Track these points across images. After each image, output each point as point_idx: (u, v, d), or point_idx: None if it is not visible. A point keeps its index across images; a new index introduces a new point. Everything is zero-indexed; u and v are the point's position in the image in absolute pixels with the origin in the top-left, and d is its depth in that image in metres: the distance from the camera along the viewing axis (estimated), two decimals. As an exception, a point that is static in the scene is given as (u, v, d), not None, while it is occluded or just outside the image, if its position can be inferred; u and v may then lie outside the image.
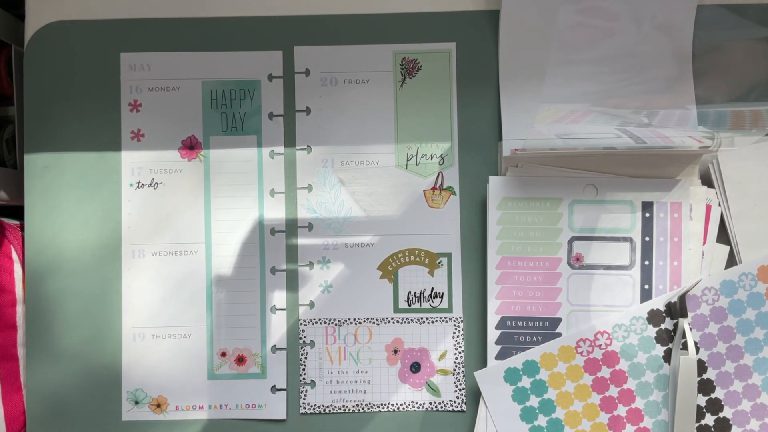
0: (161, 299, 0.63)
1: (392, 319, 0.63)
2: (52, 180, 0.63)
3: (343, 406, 0.63)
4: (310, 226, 0.63)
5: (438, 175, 0.63)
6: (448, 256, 0.63)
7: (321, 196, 0.63)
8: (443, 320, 0.63)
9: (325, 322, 0.63)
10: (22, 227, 0.64)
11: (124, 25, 0.64)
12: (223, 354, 0.63)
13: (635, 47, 0.61)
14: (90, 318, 0.63)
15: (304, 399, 0.63)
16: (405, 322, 0.63)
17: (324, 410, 0.63)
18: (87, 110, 0.63)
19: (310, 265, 0.63)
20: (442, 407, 0.62)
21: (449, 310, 0.63)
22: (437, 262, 0.63)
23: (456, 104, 0.63)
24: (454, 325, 0.63)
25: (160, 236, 0.63)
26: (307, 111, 0.63)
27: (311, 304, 0.63)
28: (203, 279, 0.63)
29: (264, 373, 0.63)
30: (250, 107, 0.63)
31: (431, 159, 0.63)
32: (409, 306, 0.63)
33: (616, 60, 0.61)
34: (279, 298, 0.63)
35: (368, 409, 0.63)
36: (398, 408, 0.63)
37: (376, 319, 0.63)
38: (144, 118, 0.64)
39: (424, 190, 0.63)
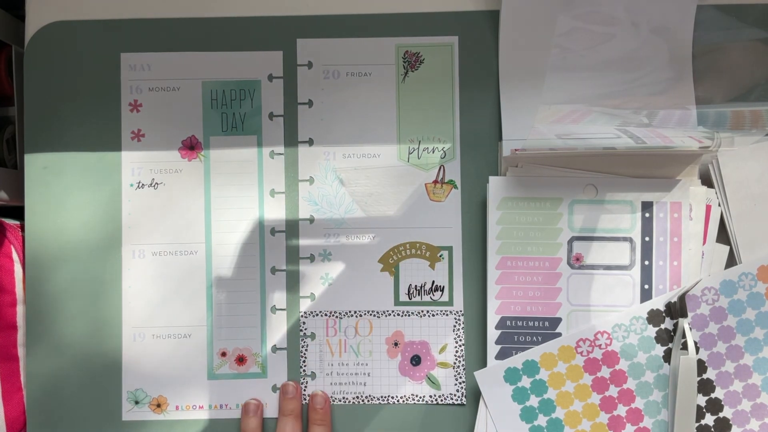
0: (161, 299, 0.63)
1: (393, 312, 0.63)
2: (52, 180, 0.63)
3: (343, 398, 0.63)
4: (311, 219, 0.63)
5: (440, 168, 0.63)
6: (449, 249, 0.63)
7: (323, 188, 0.63)
8: (444, 313, 0.63)
9: (325, 315, 0.63)
10: (22, 227, 0.64)
11: (124, 25, 0.64)
12: (224, 354, 0.63)
13: (635, 49, 0.61)
14: (90, 318, 0.63)
15: (304, 391, 0.63)
16: (405, 315, 0.63)
17: (324, 409, 0.63)
18: (87, 110, 0.63)
19: (312, 257, 0.63)
20: (442, 400, 0.63)
21: (450, 303, 0.63)
22: (438, 255, 0.63)
23: (458, 100, 0.63)
24: (455, 319, 0.63)
25: (160, 236, 0.63)
26: (309, 104, 0.63)
27: (312, 296, 0.63)
28: (203, 279, 0.63)
29: (264, 372, 0.63)
30: (250, 107, 0.63)
31: (433, 152, 0.63)
32: (410, 299, 0.63)
33: (616, 63, 0.61)
34: (279, 298, 0.63)
35: (368, 401, 0.63)
36: (398, 401, 0.63)
37: (377, 312, 0.63)
38: (144, 118, 0.64)
39: (425, 184, 0.63)
